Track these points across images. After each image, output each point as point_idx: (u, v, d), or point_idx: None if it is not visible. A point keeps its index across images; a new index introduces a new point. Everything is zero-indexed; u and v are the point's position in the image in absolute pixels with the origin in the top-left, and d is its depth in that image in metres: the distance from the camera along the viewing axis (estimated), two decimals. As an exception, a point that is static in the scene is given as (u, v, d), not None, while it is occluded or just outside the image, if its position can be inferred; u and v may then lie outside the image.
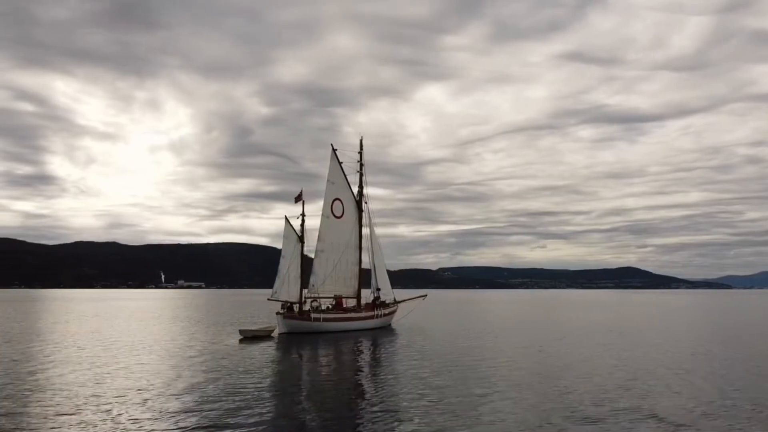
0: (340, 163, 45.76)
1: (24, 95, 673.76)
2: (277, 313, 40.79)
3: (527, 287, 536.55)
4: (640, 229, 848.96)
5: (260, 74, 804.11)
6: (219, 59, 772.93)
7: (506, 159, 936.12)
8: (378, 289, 46.70)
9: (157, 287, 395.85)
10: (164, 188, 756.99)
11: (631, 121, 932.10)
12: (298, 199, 43.09)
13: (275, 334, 39.94)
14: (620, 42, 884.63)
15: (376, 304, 46.18)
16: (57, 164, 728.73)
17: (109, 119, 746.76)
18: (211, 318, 60.88)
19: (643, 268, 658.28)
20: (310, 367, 26.02)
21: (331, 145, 45.49)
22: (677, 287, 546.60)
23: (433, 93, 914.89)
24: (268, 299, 42.88)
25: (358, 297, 46.55)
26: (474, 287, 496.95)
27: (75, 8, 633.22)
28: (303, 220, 43.19)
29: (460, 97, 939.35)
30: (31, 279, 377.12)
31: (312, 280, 43.06)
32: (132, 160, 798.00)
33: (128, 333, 41.15)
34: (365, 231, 47.53)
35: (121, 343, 33.66)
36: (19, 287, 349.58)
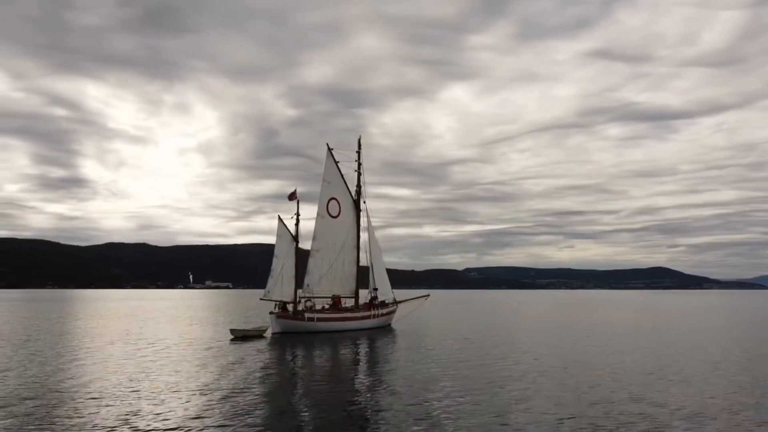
0: (336, 163, 45.66)
1: (57, 100, 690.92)
2: (271, 313, 40.88)
3: (555, 288, 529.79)
4: (670, 229, 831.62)
5: (286, 76, 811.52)
6: (246, 62, 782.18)
7: (533, 158, 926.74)
8: (375, 289, 46.34)
9: (185, 287, 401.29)
10: (193, 190, 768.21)
11: (660, 118, 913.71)
12: (292, 197, 43.11)
13: (268, 333, 40.02)
14: (649, 38, 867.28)
15: (373, 304, 45.87)
16: (89, 167, 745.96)
17: (139, 123, 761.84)
18: (217, 317, 61.41)
19: (674, 268, 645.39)
20: (295, 366, 25.87)
21: (327, 144, 45.53)
22: (709, 288, 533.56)
23: (458, 93, 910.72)
24: (261, 299, 43.00)
25: (356, 297, 46.35)
26: (500, 287, 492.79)
27: (106, 15, 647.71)
28: (297, 220, 43.19)
29: (486, 96, 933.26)
30: (64, 279, 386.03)
31: (307, 279, 43.02)
32: (161, 163, 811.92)
33: (120, 332, 41.63)
34: (363, 230, 47.29)
35: (107, 343, 34.10)
36: (53, 287, 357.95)
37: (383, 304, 47.05)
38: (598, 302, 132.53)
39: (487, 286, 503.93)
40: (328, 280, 44.12)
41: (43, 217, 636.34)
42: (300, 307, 42.26)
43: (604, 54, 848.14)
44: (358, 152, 47.42)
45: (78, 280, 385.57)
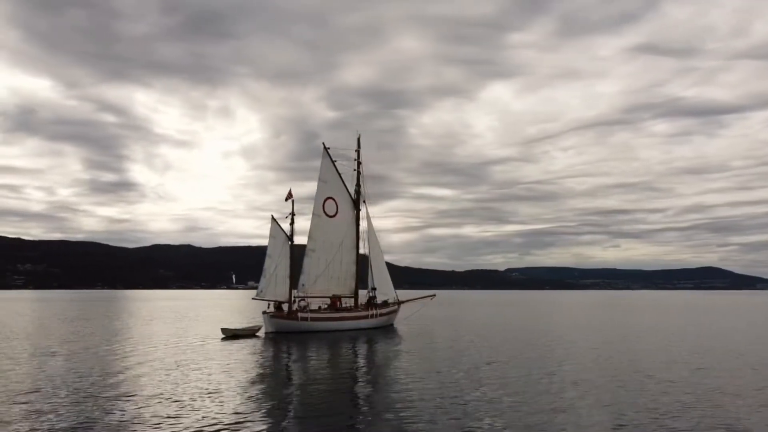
0: (333, 162, 45.41)
1: (107, 107, 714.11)
2: (264, 312, 40.88)
3: (600, 288, 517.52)
4: (721, 227, 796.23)
5: (326, 79, 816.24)
6: (286, 66, 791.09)
7: (576, 156, 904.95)
8: (373, 289, 45.80)
9: (228, 288, 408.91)
10: (236, 192, 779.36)
11: (710, 113, 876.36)
12: (288, 197, 43.10)
13: (261, 333, 40.03)
14: (697, 31, 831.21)
15: (371, 303, 45.33)
16: (137, 171, 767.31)
17: (185, 127, 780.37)
18: (229, 316, 61.90)
19: (725, 267, 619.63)
20: (275, 365, 25.58)
21: (323, 144, 45.36)
22: (763, 288, 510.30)
23: (498, 91, 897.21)
24: (253, 298, 43.10)
25: (356, 297, 45.96)
26: (543, 288, 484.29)
27: (153, 23, 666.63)
28: (293, 220, 43.18)
29: (527, 94, 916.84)
30: (113, 280, 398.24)
31: (302, 279, 42.86)
32: (206, 166, 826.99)
33: (115, 331, 42.35)
34: (362, 230, 46.87)
35: (94, 342, 34.69)
36: (102, 288, 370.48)
37: (385, 304, 46.53)
38: (644, 302, 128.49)
39: (530, 286, 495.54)
40: (325, 280, 43.87)
41: (94, 220, 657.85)
42: (294, 307, 42.11)
43: (649, 48, 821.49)
44: (357, 151, 47.10)
45: (126, 281, 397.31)
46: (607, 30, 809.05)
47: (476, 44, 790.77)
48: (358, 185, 46.88)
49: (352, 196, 46.48)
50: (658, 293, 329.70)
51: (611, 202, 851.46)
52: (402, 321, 49.36)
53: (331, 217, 44.74)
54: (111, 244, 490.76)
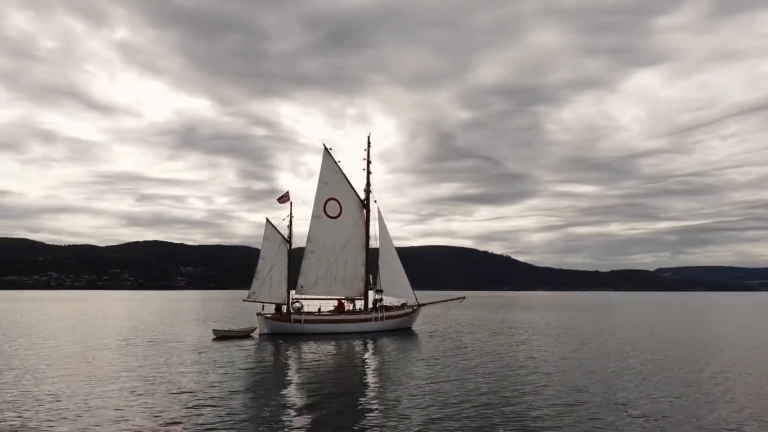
0: (336, 163, 45.01)
1: (258, 121, 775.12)
2: (258, 314, 41.41)
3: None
4: None
5: (460, 80, 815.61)
6: (420, 70, 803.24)
7: (738, 144, 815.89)
8: (380, 290, 44.48)
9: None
10: (374, 196, 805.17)
11: None
12: (284, 199, 43.31)
13: (255, 334, 40.60)
14: None
15: (376, 306, 44.10)
16: (284, 179, 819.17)
17: (325, 136, 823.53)
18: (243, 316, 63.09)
19: None
20: (251, 367, 25.38)
21: (324, 145, 45.19)
22: None
23: (645, 80, 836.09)
24: (244, 300, 43.76)
25: (365, 299, 45.04)
26: (699, 289, 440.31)
27: (296, 41, 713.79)
28: (290, 221, 43.41)
29: (678, 80, 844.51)
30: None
31: (301, 281, 42.85)
32: (345, 172, 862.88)
33: (122, 329, 45.19)
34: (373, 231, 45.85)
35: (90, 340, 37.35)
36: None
37: (402, 307, 45.15)
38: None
39: (683, 287, 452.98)
40: (327, 282, 43.50)
41: (247, 225, 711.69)
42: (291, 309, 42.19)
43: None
44: (367, 150, 46.25)
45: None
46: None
47: (618, 32, 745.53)
48: (368, 185, 46.02)
49: (360, 196, 45.67)
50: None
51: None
52: (420, 324, 47.55)
53: (333, 218, 44.30)
54: (260, 248, 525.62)
